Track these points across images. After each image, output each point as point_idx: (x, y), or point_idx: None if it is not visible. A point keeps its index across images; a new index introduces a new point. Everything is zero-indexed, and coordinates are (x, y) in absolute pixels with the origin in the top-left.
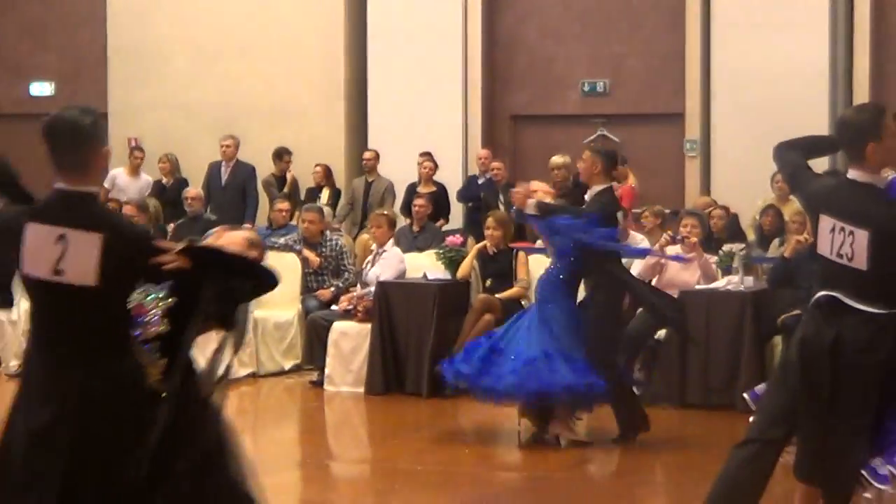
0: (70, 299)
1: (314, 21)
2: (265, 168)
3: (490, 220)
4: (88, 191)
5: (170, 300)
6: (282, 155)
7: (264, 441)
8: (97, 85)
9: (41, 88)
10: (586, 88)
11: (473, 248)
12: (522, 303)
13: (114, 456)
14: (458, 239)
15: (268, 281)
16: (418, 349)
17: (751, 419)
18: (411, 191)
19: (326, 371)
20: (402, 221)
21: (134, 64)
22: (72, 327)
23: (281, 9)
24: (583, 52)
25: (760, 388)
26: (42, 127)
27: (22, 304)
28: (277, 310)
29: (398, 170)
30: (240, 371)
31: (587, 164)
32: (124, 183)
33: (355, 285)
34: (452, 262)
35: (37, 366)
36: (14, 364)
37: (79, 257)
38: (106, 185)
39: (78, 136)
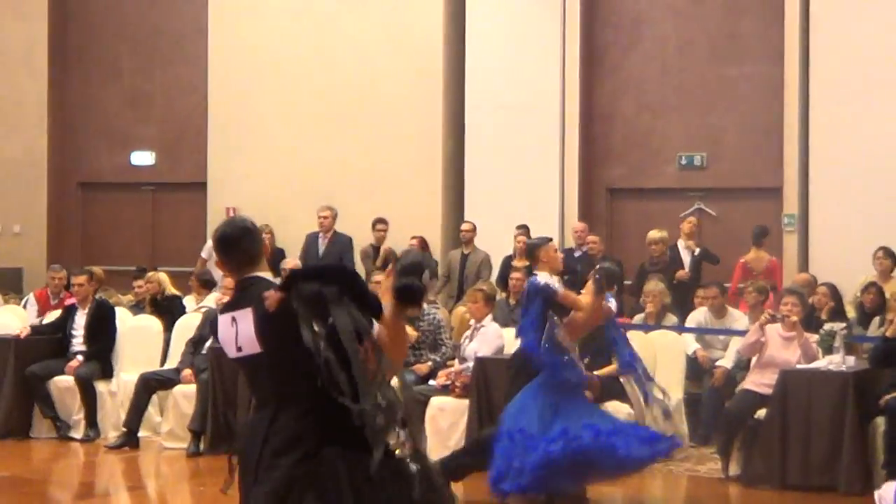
0: (254, 368)
1: (413, 92)
2: (361, 239)
3: None
4: (248, 276)
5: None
6: (375, 225)
7: None
8: (197, 154)
9: (142, 158)
10: (683, 162)
11: None
12: (621, 380)
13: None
14: None
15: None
16: None
17: None
18: (507, 264)
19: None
20: (499, 295)
21: (233, 134)
22: (264, 390)
23: (380, 79)
24: (680, 125)
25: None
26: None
27: (121, 376)
28: None
29: (494, 242)
30: None
31: None
32: None
33: (453, 360)
34: None
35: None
36: (113, 435)
37: (245, 333)
38: (203, 255)
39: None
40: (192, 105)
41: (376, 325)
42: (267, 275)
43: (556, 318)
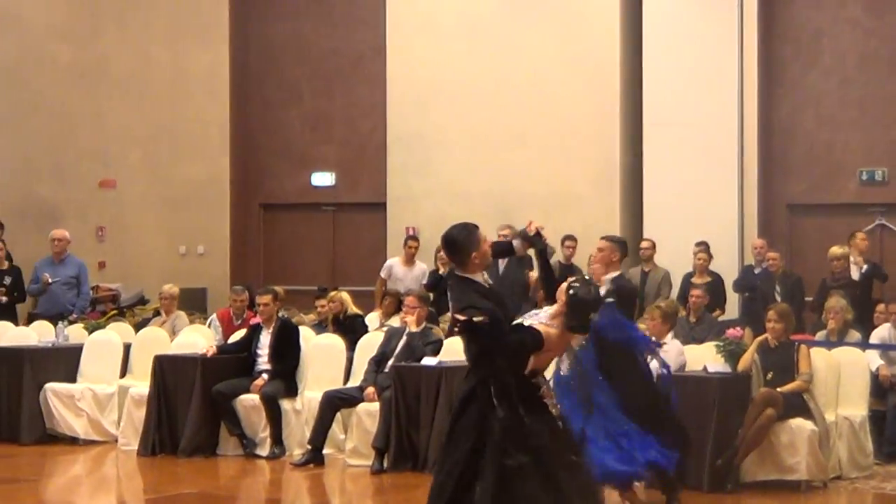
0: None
1: (590, 108)
2: None
3: (771, 313)
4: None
5: None
6: (564, 241)
7: None
8: (376, 175)
9: (323, 179)
10: (864, 177)
11: (754, 341)
12: (804, 396)
13: None
14: (738, 332)
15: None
16: (699, 443)
17: None
18: (687, 281)
19: None
20: (680, 312)
21: (412, 153)
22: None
23: (557, 96)
24: (861, 140)
25: None
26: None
27: (306, 394)
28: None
29: (673, 259)
30: None
31: (606, 253)
32: (400, 272)
33: None
34: (732, 355)
35: None
36: (298, 452)
37: None
38: (382, 274)
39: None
40: (371, 125)
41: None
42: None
43: None
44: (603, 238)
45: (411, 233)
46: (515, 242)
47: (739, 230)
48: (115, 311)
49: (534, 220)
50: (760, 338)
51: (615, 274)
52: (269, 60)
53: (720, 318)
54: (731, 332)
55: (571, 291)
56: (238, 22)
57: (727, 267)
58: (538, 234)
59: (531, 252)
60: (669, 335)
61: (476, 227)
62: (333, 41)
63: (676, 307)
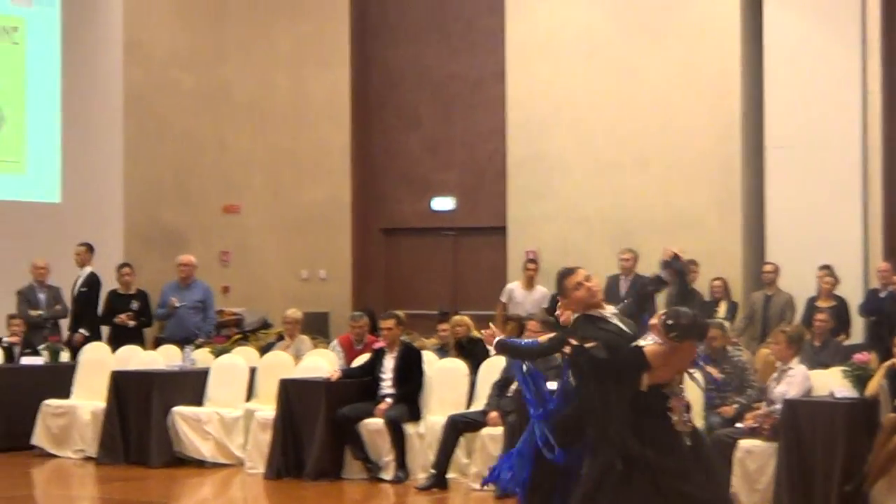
0: None
1: (711, 131)
2: None
3: None
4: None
5: None
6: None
7: None
8: (496, 198)
9: (443, 203)
10: None
11: (882, 366)
12: None
13: None
14: (865, 356)
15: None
16: (826, 469)
17: None
18: (811, 305)
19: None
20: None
21: (532, 177)
22: None
23: (678, 119)
24: None
25: None
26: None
27: (429, 418)
28: None
29: (796, 283)
30: None
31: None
32: (520, 296)
33: (759, 402)
34: (860, 380)
35: None
36: (422, 476)
37: None
38: (502, 298)
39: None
40: (491, 150)
41: None
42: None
43: None
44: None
45: (531, 256)
46: (663, 274)
47: (863, 253)
48: (239, 336)
49: (659, 244)
50: (888, 362)
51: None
52: (390, 85)
53: (845, 343)
54: (857, 356)
55: (673, 334)
56: (358, 47)
57: (851, 290)
58: (676, 256)
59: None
60: (795, 360)
61: (568, 271)
62: (453, 65)
63: (802, 331)
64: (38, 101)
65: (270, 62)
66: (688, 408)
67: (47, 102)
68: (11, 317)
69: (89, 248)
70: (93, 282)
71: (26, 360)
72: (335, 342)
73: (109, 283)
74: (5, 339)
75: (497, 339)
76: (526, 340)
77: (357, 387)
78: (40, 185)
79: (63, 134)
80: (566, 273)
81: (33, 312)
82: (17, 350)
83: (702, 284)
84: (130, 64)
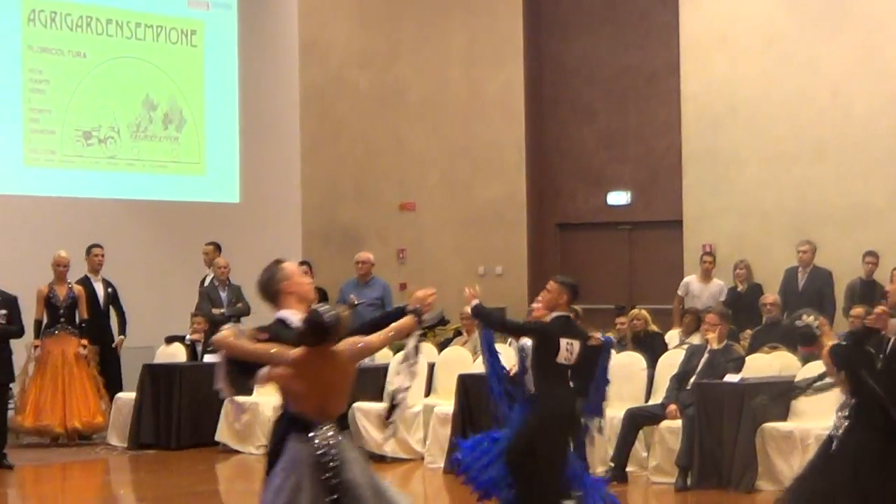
0: None
1: (890, 121)
2: (841, 273)
3: None
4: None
5: None
6: (865, 257)
7: None
8: (671, 192)
9: (618, 198)
10: None
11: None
12: None
13: None
14: None
15: None
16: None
17: None
18: None
19: None
20: None
21: (708, 170)
22: None
23: (855, 109)
24: None
25: None
26: None
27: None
28: None
29: None
30: None
31: (553, 294)
32: (697, 289)
33: None
34: None
35: None
36: (602, 470)
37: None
38: (679, 292)
39: None
40: (667, 143)
41: None
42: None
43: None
44: (553, 279)
45: (707, 250)
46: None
47: None
48: (416, 332)
49: (836, 236)
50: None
51: (560, 314)
52: (563, 79)
53: None
54: None
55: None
56: (532, 42)
57: None
58: None
59: None
60: None
61: None
62: (626, 59)
63: None
64: (216, 104)
65: (444, 60)
66: None
67: (225, 104)
68: (195, 315)
69: (217, 248)
70: (110, 286)
71: (209, 358)
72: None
73: None
74: (188, 337)
75: (475, 302)
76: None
77: None
78: (220, 186)
79: (241, 135)
80: None
81: (215, 310)
82: (199, 348)
83: (882, 276)
84: (307, 65)
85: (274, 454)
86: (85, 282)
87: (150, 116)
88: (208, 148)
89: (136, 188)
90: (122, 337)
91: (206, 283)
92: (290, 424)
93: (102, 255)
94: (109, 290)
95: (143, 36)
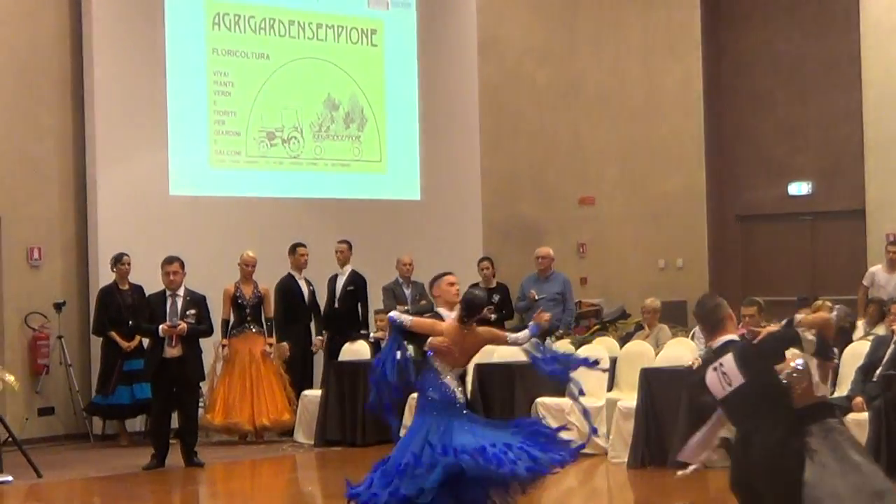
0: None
1: None
2: None
3: None
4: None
5: None
6: None
7: None
8: (853, 181)
9: (799, 188)
10: None
11: None
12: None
13: None
14: None
15: None
16: None
17: None
18: None
19: None
20: None
21: (891, 157)
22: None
23: None
24: None
25: None
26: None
27: None
28: None
29: None
30: None
31: None
32: (883, 279)
33: None
34: None
35: None
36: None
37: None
38: (865, 282)
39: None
40: (848, 132)
41: None
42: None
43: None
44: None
45: (892, 239)
46: None
47: None
48: (597, 326)
49: None
50: None
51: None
52: (741, 70)
53: None
54: None
55: None
56: (709, 33)
57: None
58: None
59: None
60: None
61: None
62: (805, 48)
63: None
64: (396, 102)
65: (621, 53)
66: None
67: (405, 102)
68: (378, 312)
69: (350, 246)
70: (357, 280)
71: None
72: (696, 329)
73: (471, 278)
74: (372, 335)
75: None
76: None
77: None
78: (401, 183)
79: (421, 132)
80: None
81: (400, 307)
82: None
83: None
84: (485, 61)
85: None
86: (289, 280)
87: (331, 116)
88: (389, 146)
89: (318, 187)
90: (319, 337)
91: (339, 282)
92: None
93: (307, 254)
94: (311, 288)
95: (324, 36)
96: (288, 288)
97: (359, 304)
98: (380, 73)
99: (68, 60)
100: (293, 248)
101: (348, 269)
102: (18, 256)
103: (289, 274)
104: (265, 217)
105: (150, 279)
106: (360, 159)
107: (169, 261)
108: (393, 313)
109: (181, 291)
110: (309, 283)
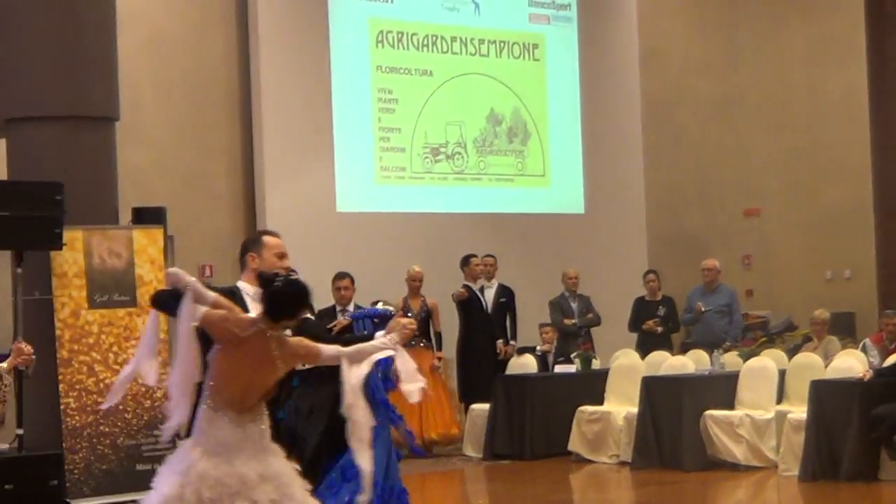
0: None
1: None
2: None
3: None
4: None
5: None
6: None
7: None
8: None
9: None
10: None
11: None
12: None
13: None
14: None
15: None
16: None
17: None
18: None
19: None
20: None
21: None
22: None
23: None
24: None
25: None
26: None
27: None
28: None
29: None
30: None
31: None
32: None
33: None
34: None
35: None
36: None
37: None
38: None
39: None
40: None
41: None
42: None
43: None
44: None
45: None
46: None
47: None
48: (764, 339)
49: None
50: None
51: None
52: None
53: None
54: None
55: None
56: (874, 41)
57: None
58: None
59: None
60: None
61: None
62: None
63: None
64: (559, 116)
65: (784, 63)
66: None
67: (568, 116)
68: (543, 325)
69: (496, 260)
70: (507, 293)
71: (560, 368)
72: (866, 341)
73: (636, 291)
74: (539, 348)
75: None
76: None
77: (892, 386)
78: (564, 196)
79: (584, 146)
80: None
81: (567, 321)
82: (550, 358)
83: None
84: (647, 73)
85: None
86: (469, 290)
87: (494, 131)
88: (552, 160)
89: (482, 202)
90: (510, 342)
91: (488, 295)
92: None
93: (480, 264)
94: (503, 299)
95: (486, 52)
96: (465, 299)
97: (507, 316)
98: (542, 87)
99: (236, 80)
100: (466, 260)
101: (495, 282)
102: (190, 273)
103: (464, 285)
104: (431, 232)
105: (316, 295)
106: (523, 173)
107: (340, 276)
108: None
109: (351, 307)
110: (503, 289)
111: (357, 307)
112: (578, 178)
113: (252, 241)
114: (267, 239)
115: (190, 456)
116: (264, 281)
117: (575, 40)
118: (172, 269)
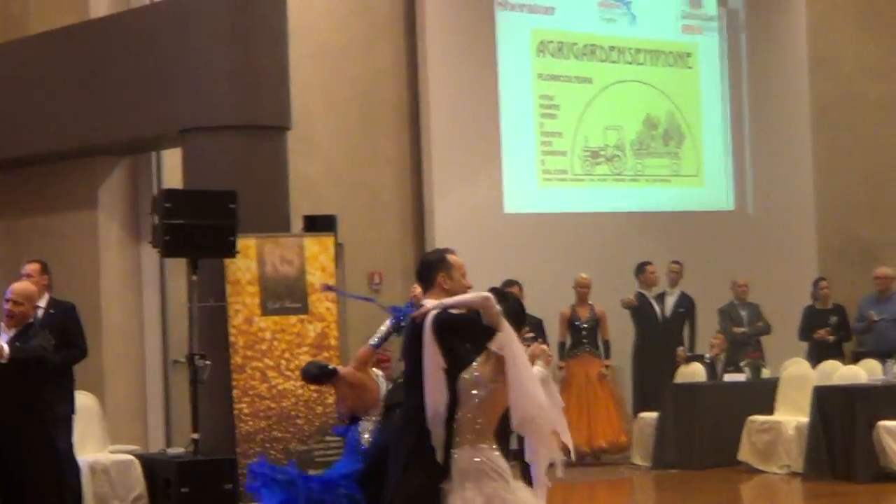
0: None
1: None
2: None
3: None
4: None
5: None
6: None
7: None
8: None
9: None
10: None
11: None
12: None
13: None
14: None
15: None
16: None
17: None
18: None
19: None
20: None
21: None
22: None
23: None
24: None
25: None
26: None
27: None
28: None
29: None
30: None
31: None
32: None
33: None
34: None
35: None
36: None
37: None
38: None
39: None
40: None
41: None
42: None
43: None
44: None
45: None
46: None
47: None
48: None
49: None
50: None
51: None
52: None
53: None
54: None
55: None
56: None
57: None
58: None
59: None
60: None
61: None
62: None
63: None
64: (711, 119)
65: None
66: None
67: (721, 120)
68: (716, 333)
69: (682, 267)
70: (687, 302)
71: (729, 377)
72: None
73: (805, 299)
74: (707, 356)
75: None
76: None
77: None
78: (720, 197)
79: (752, 149)
80: None
81: (736, 329)
82: (719, 367)
83: None
84: (817, 79)
85: None
86: (640, 299)
87: (651, 134)
88: (706, 162)
89: (640, 201)
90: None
91: (667, 302)
92: None
93: (655, 271)
94: (682, 309)
95: (643, 60)
96: (637, 308)
97: (685, 326)
98: (695, 92)
99: (405, 90)
100: (641, 267)
101: (677, 290)
102: (360, 281)
103: (638, 292)
104: (590, 231)
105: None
106: (678, 174)
107: (508, 284)
108: None
109: None
110: (684, 298)
111: None
112: (733, 180)
113: (440, 262)
114: (453, 259)
115: None
116: (503, 296)
117: (725, 49)
118: (485, 294)
